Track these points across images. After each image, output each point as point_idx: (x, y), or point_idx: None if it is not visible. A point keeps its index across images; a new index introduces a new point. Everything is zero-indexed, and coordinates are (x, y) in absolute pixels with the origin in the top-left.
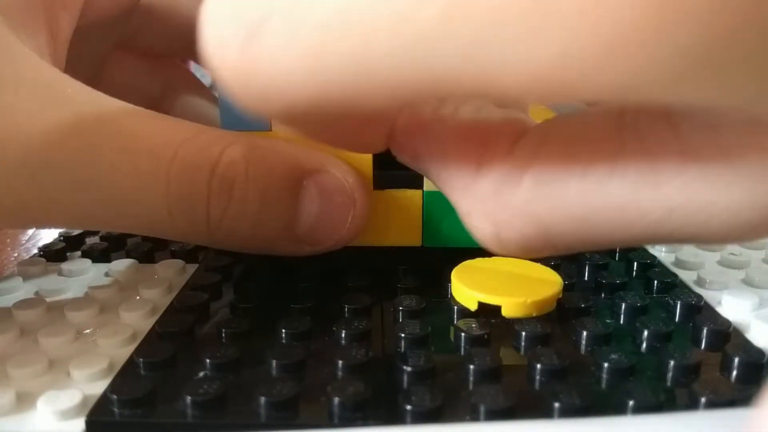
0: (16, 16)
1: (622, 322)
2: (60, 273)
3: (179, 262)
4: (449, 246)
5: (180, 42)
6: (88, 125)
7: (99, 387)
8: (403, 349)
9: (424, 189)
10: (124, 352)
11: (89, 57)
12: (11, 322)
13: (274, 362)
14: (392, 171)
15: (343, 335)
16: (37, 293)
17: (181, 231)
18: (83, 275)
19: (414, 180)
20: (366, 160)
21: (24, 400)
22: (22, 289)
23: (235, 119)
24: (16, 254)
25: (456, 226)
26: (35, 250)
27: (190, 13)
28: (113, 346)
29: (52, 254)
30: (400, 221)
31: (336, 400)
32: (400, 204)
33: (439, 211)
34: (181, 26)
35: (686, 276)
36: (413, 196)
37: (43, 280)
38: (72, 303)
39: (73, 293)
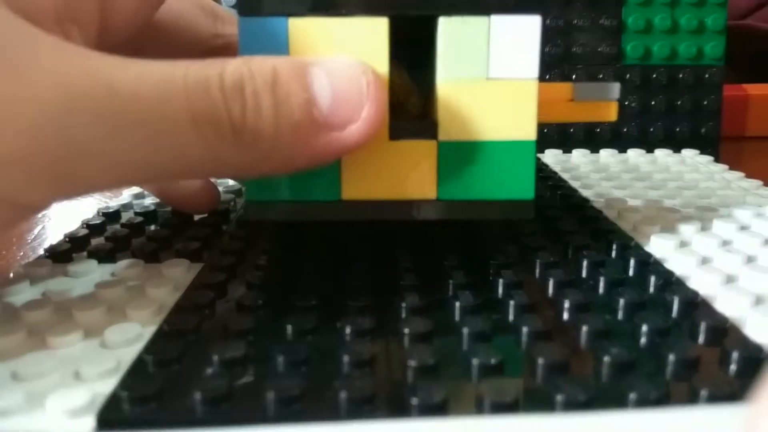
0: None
1: (620, 318)
2: (66, 274)
3: (184, 262)
4: (464, 199)
5: (180, 51)
6: (103, 66)
7: (108, 385)
8: (407, 345)
9: (439, 139)
10: (132, 351)
11: None
12: (19, 323)
13: (281, 358)
14: (407, 122)
15: (347, 331)
16: (44, 294)
17: (213, 147)
18: (89, 276)
19: (428, 130)
20: None
21: (33, 400)
22: (28, 291)
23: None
24: (22, 253)
25: (472, 178)
26: (41, 250)
27: (190, 24)
28: (121, 344)
29: (58, 255)
30: (416, 173)
31: (343, 394)
32: (415, 155)
33: (454, 162)
34: (182, 36)
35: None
36: (428, 146)
37: (49, 281)
38: (79, 303)
39: (80, 294)
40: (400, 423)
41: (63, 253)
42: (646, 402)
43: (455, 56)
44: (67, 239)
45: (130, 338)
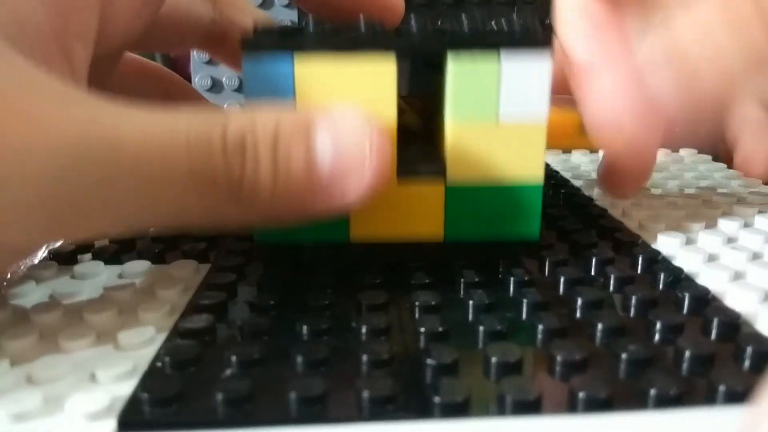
0: (26, 47)
1: (633, 314)
2: (73, 276)
3: (192, 263)
4: (471, 240)
5: (178, 38)
6: (107, 117)
7: (126, 388)
8: (423, 344)
9: (447, 184)
10: (147, 353)
11: (98, 76)
12: (29, 326)
13: (299, 358)
14: (415, 161)
15: (363, 331)
16: (51, 296)
17: (211, 205)
18: (96, 277)
19: (436, 173)
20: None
21: (51, 403)
22: (35, 293)
23: (261, 97)
24: None
25: (479, 220)
26: (44, 253)
27: (187, 11)
28: (136, 347)
29: (63, 257)
30: (424, 215)
31: (365, 393)
32: (423, 197)
33: (462, 205)
34: (180, 24)
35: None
36: (436, 190)
37: (56, 284)
38: (89, 305)
39: (88, 295)
40: (423, 423)
41: (68, 255)
42: (666, 399)
43: (465, 99)
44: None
45: (144, 340)
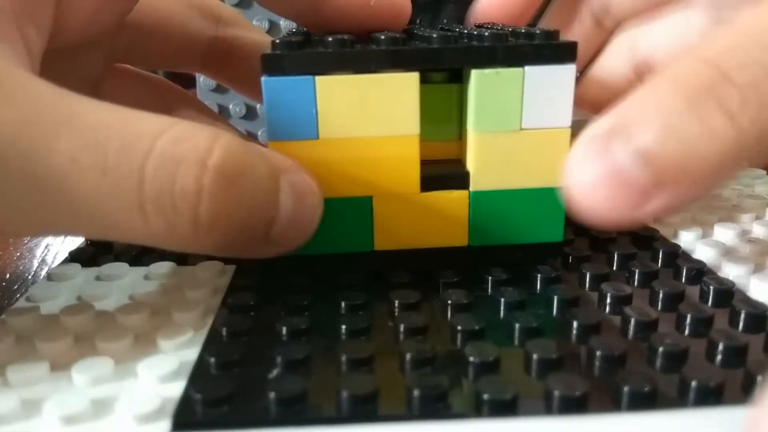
0: None
1: (660, 309)
2: (98, 278)
3: (218, 264)
4: (495, 244)
5: (173, 55)
6: (48, 120)
7: (173, 389)
8: (460, 343)
9: (471, 190)
10: (188, 354)
11: (81, 80)
12: (63, 329)
13: (344, 357)
14: (438, 173)
15: (401, 329)
16: (79, 298)
17: (155, 232)
18: (123, 279)
19: (460, 180)
20: (413, 162)
21: (99, 406)
22: (62, 295)
23: (282, 129)
24: (18, 253)
25: (503, 224)
26: (39, 251)
27: (182, 26)
28: (176, 348)
29: (86, 259)
30: (448, 222)
31: (415, 392)
32: (447, 205)
33: (486, 209)
34: (173, 39)
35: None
36: (460, 196)
37: (82, 286)
38: (123, 307)
39: (117, 297)
40: (473, 422)
41: (90, 257)
42: (705, 392)
43: (488, 109)
44: (89, 242)
45: (183, 341)
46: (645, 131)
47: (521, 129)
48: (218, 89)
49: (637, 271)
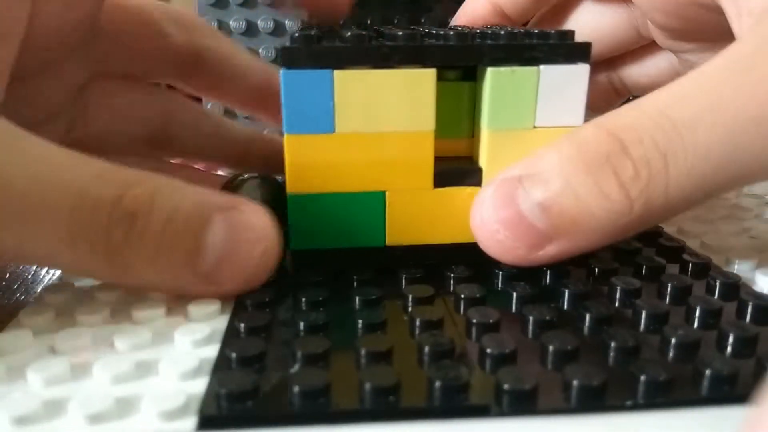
0: None
1: (669, 302)
2: None
3: None
4: None
5: (147, 63)
6: (3, 154)
7: (197, 385)
8: (475, 336)
9: (483, 186)
10: (208, 351)
11: (61, 90)
12: (78, 330)
13: (363, 351)
14: (452, 169)
15: (417, 323)
16: (92, 297)
17: (82, 263)
18: None
19: (473, 177)
20: (427, 157)
21: (124, 404)
22: (78, 293)
23: (299, 122)
24: None
25: None
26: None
27: (161, 33)
28: (195, 344)
29: None
30: (460, 218)
31: (437, 384)
32: (459, 201)
33: None
34: (152, 47)
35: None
36: (472, 193)
37: (95, 283)
38: (137, 304)
39: (130, 293)
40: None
41: None
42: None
43: (503, 107)
44: None
45: (202, 338)
46: (547, 185)
47: (534, 127)
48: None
49: (644, 265)
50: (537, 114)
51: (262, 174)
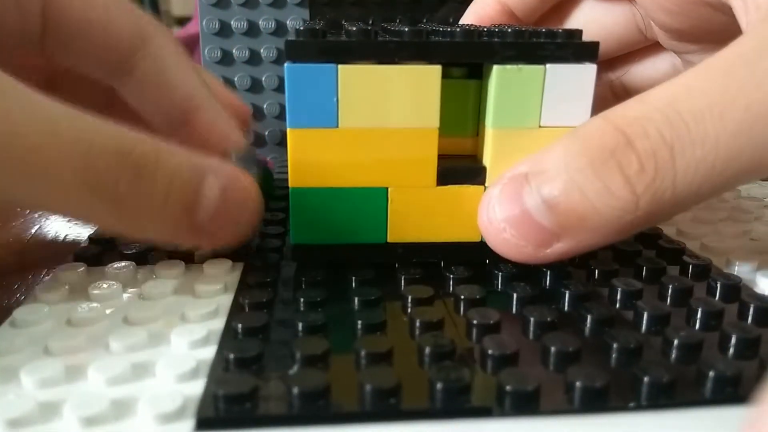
0: None
1: (670, 304)
2: (106, 277)
3: (227, 261)
4: None
5: (95, 59)
6: (16, 110)
7: (194, 387)
8: (475, 337)
9: (487, 184)
10: (205, 352)
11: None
12: (76, 331)
13: (363, 352)
14: (455, 167)
15: (418, 324)
16: (90, 299)
17: (88, 209)
18: (130, 278)
19: (476, 175)
20: (431, 155)
21: (120, 406)
22: (72, 296)
23: (303, 116)
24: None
25: None
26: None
27: (107, 28)
28: (192, 346)
29: (91, 259)
30: (462, 217)
31: (438, 385)
32: (462, 200)
33: None
34: (98, 42)
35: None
36: (475, 191)
37: (92, 285)
38: (135, 306)
39: (129, 297)
40: (496, 420)
41: (95, 257)
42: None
43: (508, 105)
44: (93, 240)
45: (199, 338)
46: (552, 182)
47: (540, 126)
48: (222, 61)
49: (645, 267)
50: (543, 113)
51: (249, 153)
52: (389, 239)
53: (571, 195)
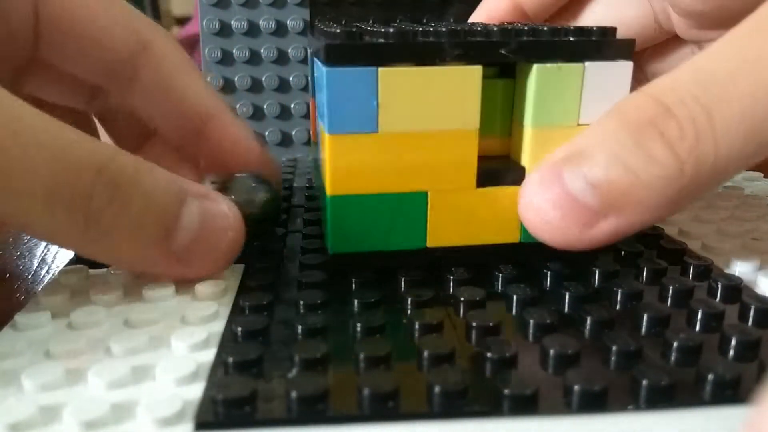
0: None
1: (670, 305)
2: (107, 279)
3: None
4: None
5: (86, 62)
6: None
7: (193, 390)
8: (475, 339)
9: None
10: (205, 355)
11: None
12: (78, 335)
13: (362, 355)
14: (494, 168)
15: (416, 327)
16: (91, 301)
17: (57, 227)
18: (133, 279)
19: (516, 176)
20: (471, 156)
21: (120, 410)
22: (73, 299)
23: (343, 121)
24: (18, 253)
25: None
26: (39, 250)
27: (101, 33)
28: (192, 349)
29: (92, 261)
30: (501, 218)
31: (436, 389)
32: (502, 201)
33: None
34: (91, 44)
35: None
36: (515, 192)
37: (92, 288)
38: (135, 309)
39: (129, 298)
40: (494, 420)
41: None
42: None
43: (547, 103)
44: None
45: (198, 342)
46: (593, 160)
47: (578, 124)
48: (222, 61)
49: (645, 268)
50: (581, 111)
51: (255, 173)
52: (428, 244)
53: (613, 169)
